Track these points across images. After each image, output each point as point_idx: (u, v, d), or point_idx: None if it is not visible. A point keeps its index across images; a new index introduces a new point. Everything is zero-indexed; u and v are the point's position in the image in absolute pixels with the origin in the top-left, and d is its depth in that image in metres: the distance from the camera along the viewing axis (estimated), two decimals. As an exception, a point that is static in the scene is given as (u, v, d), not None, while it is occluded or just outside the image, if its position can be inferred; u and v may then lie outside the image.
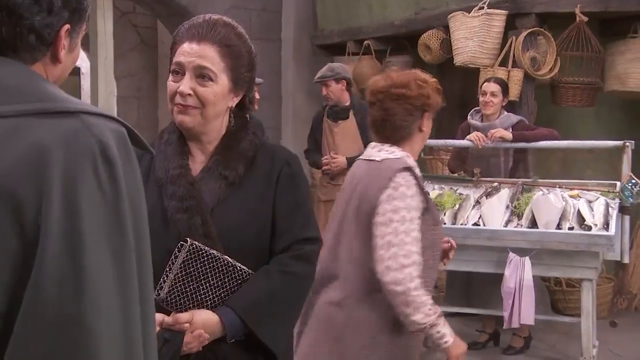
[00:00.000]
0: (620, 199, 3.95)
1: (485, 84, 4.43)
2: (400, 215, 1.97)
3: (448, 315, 2.73)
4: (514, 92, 4.76)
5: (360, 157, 2.27)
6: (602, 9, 4.99)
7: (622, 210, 3.97)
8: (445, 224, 4.00)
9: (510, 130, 4.26)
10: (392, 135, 2.14)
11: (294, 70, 7.87)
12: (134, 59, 8.17)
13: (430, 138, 5.50)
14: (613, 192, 4.01)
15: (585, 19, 4.85)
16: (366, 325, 2.04)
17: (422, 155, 5.34)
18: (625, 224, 3.98)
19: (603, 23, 5.32)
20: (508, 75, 4.82)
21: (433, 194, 4.22)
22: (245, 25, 6.66)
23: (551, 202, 3.89)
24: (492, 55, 4.94)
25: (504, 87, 4.44)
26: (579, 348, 3.81)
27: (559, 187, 4.07)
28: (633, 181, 3.97)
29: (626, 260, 3.98)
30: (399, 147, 2.14)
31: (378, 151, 2.15)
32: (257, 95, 4.79)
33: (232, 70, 1.59)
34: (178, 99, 1.57)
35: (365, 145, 4.62)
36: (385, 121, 2.12)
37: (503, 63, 4.91)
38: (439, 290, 4.92)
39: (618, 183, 4.04)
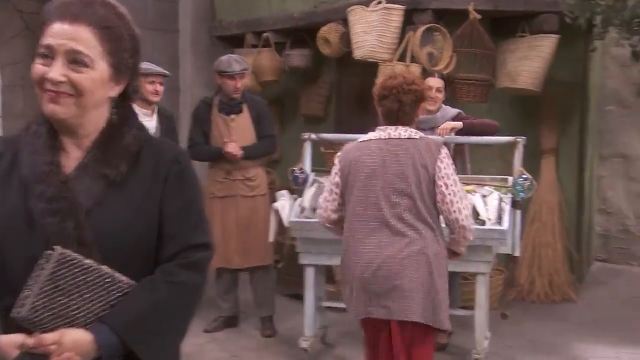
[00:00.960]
0: (512, 194, 4.06)
1: (430, 79, 4.43)
2: (455, 177, 2.88)
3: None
4: (412, 88, 4.79)
5: (372, 137, 2.93)
6: (492, 7, 5.13)
7: (514, 204, 4.08)
8: (344, 219, 3.98)
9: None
10: (404, 119, 2.90)
11: (191, 62, 7.64)
12: (18, 45, 7.67)
13: (328, 131, 5.51)
14: (506, 187, 4.12)
15: (478, 16, 4.96)
16: (442, 255, 2.90)
17: (322, 149, 5.37)
18: (517, 218, 4.10)
19: (495, 21, 5.47)
20: (407, 69, 4.85)
21: (332, 189, 4.19)
22: (141, 14, 6.29)
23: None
24: (391, 49, 4.96)
25: (446, 82, 4.53)
26: (473, 340, 3.89)
27: (455, 182, 4.13)
28: (524, 176, 4.09)
29: (517, 253, 4.10)
30: (409, 128, 2.92)
31: (398, 132, 2.89)
32: (160, 88, 4.65)
33: (112, 55, 1.43)
34: (49, 86, 1.39)
35: (260, 138, 4.55)
36: (400, 110, 2.88)
37: (401, 58, 4.94)
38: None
39: (510, 178, 4.15)
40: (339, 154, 3.03)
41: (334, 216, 3.02)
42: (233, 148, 4.55)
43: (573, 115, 5.82)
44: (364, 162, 2.85)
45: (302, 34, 6.04)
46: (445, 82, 4.50)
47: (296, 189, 4.29)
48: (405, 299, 2.75)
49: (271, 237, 4.16)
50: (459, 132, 4.25)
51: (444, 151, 2.87)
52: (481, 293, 3.89)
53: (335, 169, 2.99)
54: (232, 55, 4.96)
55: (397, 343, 2.80)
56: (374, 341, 2.92)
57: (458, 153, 4.49)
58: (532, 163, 5.71)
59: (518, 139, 4.15)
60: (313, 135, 4.32)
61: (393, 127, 2.89)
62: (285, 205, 4.13)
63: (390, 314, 2.78)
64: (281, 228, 4.11)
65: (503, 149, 4.22)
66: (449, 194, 2.80)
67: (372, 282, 2.79)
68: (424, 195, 2.80)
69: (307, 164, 4.30)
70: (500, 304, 4.39)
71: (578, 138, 5.84)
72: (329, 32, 5.34)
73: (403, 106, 2.87)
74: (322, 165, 5.07)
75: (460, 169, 4.42)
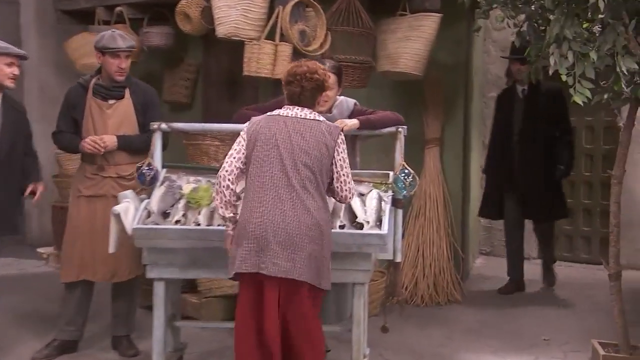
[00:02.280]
0: (393, 191, 3.58)
1: None
2: (348, 161, 3.20)
3: None
4: (280, 69, 4.21)
5: (281, 113, 3.13)
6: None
7: (395, 203, 3.60)
8: (199, 224, 3.35)
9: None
10: (305, 103, 3.15)
11: (36, 39, 6.72)
12: None
13: (195, 120, 4.85)
14: (386, 183, 3.63)
15: (355, -9, 4.46)
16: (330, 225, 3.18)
17: (183, 140, 4.70)
18: (398, 218, 3.62)
19: (373, -2, 5.01)
20: (275, 50, 4.27)
21: (187, 187, 3.53)
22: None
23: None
24: (258, 27, 4.34)
25: (340, 75, 3.78)
26: (350, 355, 3.39)
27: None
28: (406, 171, 3.61)
29: (399, 258, 3.62)
30: (313, 111, 3.17)
31: (303, 112, 3.13)
32: (16, 71, 3.83)
33: None
34: None
35: (143, 128, 3.76)
36: (301, 94, 3.13)
37: (270, 36, 4.35)
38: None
39: (391, 173, 3.66)
40: (247, 126, 3.15)
41: (232, 187, 3.09)
42: (93, 142, 3.85)
43: (457, 102, 5.46)
44: (271, 134, 3.06)
45: (161, 9, 5.32)
46: (340, 75, 3.79)
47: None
48: (297, 260, 2.95)
49: (111, 248, 3.45)
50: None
51: (342, 136, 3.17)
52: (359, 307, 3.38)
53: (242, 141, 3.12)
54: (115, 30, 4.19)
55: (278, 300, 2.97)
56: (253, 301, 3.00)
57: (348, 147, 3.95)
58: (416, 154, 5.33)
59: (399, 129, 3.67)
60: (163, 125, 3.64)
61: (299, 108, 3.13)
62: (130, 208, 3.44)
63: (283, 272, 2.93)
64: (125, 236, 3.41)
65: (386, 140, 3.73)
66: (344, 174, 3.15)
67: (268, 240, 2.94)
68: (322, 171, 3.08)
69: (157, 158, 3.62)
70: (381, 314, 3.91)
71: (462, 126, 5.49)
72: (189, 5, 4.66)
73: (304, 91, 3.13)
74: (183, 160, 4.40)
75: (350, 163, 3.89)
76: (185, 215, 3.39)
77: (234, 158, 3.09)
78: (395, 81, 5.24)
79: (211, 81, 5.56)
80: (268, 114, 3.15)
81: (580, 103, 3.62)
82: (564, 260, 6.36)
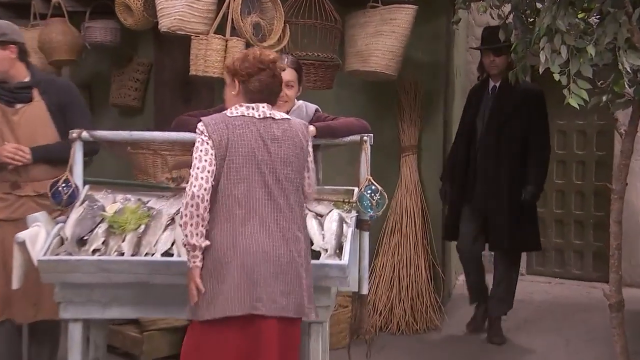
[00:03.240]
0: (357, 211, 3.03)
1: None
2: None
3: None
4: (233, 69, 3.67)
5: (245, 114, 2.57)
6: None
7: (360, 225, 3.05)
8: (122, 254, 2.77)
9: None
10: (273, 99, 2.66)
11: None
12: None
13: (147, 125, 4.26)
14: (349, 202, 3.08)
15: (319, -21, 3.91)
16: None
17: (129, 148, 4.12)
18: (364, 243, 3.08)
19: (341, -11, 4.46)
20: (226, 46, 3.72)
21: (111, 208, 2.96)
22: None
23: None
24: (207, 19, 3.79)
25: (300, 72, 3.21)
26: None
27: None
28: (372, 187, 3.06)
29: (365, 290, 3.08)
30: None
31: (271, 110, 2.62)
32: (12, 54, 3.20)
33: None
34: None
35: (63, 135, 3.13)
36: (274, 86, 2.63)
37: (221, 30, 3.79)
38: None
39: (355, 190, 3.11)
40: (202, 127, 2.54)
41: (208, 209, 2.49)
42: (14, 151, 3.25)
43: (436, 105, 4.92)
44: (244, 142, 2.54)
45: (105, 1, 4.74)
46: (300, 72, 3.22)
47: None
48: (295, 293, 2.53)
49: (15, 284, 2.86)
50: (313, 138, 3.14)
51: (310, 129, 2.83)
52: (317, 349, 2.84)
53: (209, 151, 2.51)
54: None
55: (276, 342, 2.50)
56: (244, 349, 2.47)
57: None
58: (391, 163, 4.80)
59: (364, 138, 3.12)
60: (85, 133, 3.06)
61: (264, 105, 2.60)
62: (40, 234, 2.86)
63: (284, 309, 2.49)
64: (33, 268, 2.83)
65: (354, 151, 3.18)
66: (309, 175, 2.75)
67: (261, 273, 2.47)
68: (301, 180, 2.68)
69: (76, 173, 3.04)
70: (346, 353, 3.34)
71: (442, 132, 4.95)
72: (130, -5, 4.09)
73: (275, 84, 2.63)
74: (128, 176, 3.79)
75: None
76: (106, 243, 2.81)
77: (208, 172, 2.48)
78: (367, 82, 4.70)
79: (164, 82, 5.00)
80: (226, 114, 2.57)
81: (576, 106, 3.09)
82: (554, 276, 5.86)
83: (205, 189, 2.44)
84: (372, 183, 3.06)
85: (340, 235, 2.89)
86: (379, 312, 4.55)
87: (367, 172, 3.09)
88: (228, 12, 3.75)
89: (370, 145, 3.14)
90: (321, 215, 3.01)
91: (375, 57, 4.25)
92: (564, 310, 5.10)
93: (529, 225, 4.43)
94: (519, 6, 3.51)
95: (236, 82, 2.59)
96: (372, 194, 3.05)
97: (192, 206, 2.43)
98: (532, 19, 3.63)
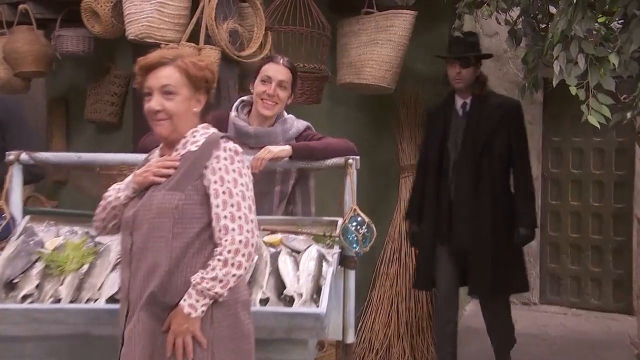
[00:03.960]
0: (341, 247, 2.60)
1: (272, 66, 2.82)
2: None
3: None
4: (206, 82, 3.26)
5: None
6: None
7: (345, 262, 2.63)
8: (59, 300, 2.35)
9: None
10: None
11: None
12: None
13: (125, 142, 3.88)
14: (331, 236, 2.64)
15: (306, -18, 3.50)
16: None
17: (98, 169, 3.73)
18: (349, 283, 2.65)
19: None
20: (199, 54, 3.30)
21: (51, 243, 2.54)
22: None
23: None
24: (179, 25, 3.38)
25: (295, 75, 2.89)
26: None
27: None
28: (359, 219, 2.63)
29: (350, 339, 2.64)
30: None
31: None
32: None
33: None
34: None
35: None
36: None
37: (195, 38, 3.39)
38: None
39: (339, 221, 2.68)
40: (234, 146, 2.07)
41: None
42: None
43: (439, 121, 4.48)
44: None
45: (77, 7, 4.34)
46: (295, 75, 2.88)
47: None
48: None
49: None
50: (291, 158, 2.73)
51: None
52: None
53: (248, 169, 2.10)
54: None
55: None
56: None
57: (299, 189, 2.98)
58: (390, 184, 4.37)
59: (349, 160, 2.69)
60: (24, 155, 2.65)
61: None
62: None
63: None
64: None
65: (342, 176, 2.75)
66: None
67: None
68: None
69: (14, 201, 2.63)
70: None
71: (445, 150, 4.50)
72: (97, 1, 3.68)
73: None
74: (87, 206, 3.38)
75: (302, 212, 2.96)
76: (41, 287, 2.39)
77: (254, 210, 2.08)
78: (362, 96, 4.28)
79: (143, 95, 4.59)
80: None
81: (596, 125, 2.66)
82: (570, 306, 5.37)
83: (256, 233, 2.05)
84: (358, 214, 2.64)
85: (318, 276, 2.46)
86: (375, 351, 4.10)
87: (352, 201, 2.67)
88: (202, 18, 3.33)
89: (357, 169, 2.72)
90: (298, 252, 2.58)
91: (370, 68, 3.83)
92: (581, 346, 4.61)
93: (516, 263, 3.77)
94: (529, 10, 3.10)
95: (202, 93, 2.12)
96: (358, 227, 2.62)
97: (248, 258, 1.98)
98: (544, 25, 3.21)
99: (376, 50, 3.82)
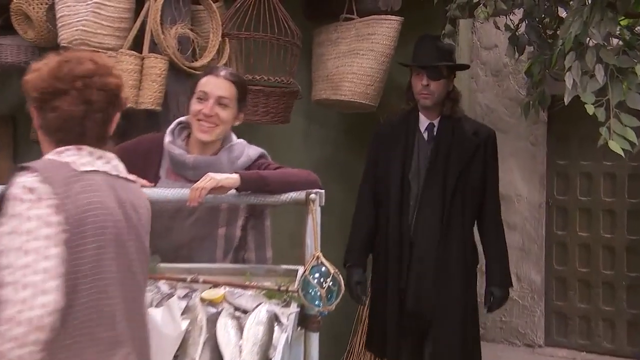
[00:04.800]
0: (299, 305, 2.06)
1: (210, 80, 2.26)
2: None
3: None
4: (149, 94, 2.74)
5: (98, 168, 1.58)
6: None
7: (305, 323, 2.09)
8: None
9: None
10: (94, 135, 1.60)
11: None
12: None
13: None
14: (288, 290, 2.10)
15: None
16: None
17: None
18: (311, 349, 2.11)
19: (310, -1, 3.57)
20: (142, 65, 2.79)
21: None
22: None
23: (157, 320, 1.88)
24: (119, 30, 2.86)
25: (243, 91, 2.32)
26: None
27: (187, 281, 2.09)
28: (323, 269, 2.09)
29: (310, 422, 2.09)
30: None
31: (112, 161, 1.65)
32: None
33: None
34: None
35: None
36: (87, 117, 1.57)
37: (137, 46, 2.87)
38: None
39: (300, 269, 2.14)
40: (38, 185, 1.46)
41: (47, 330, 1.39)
42: None
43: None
44: (104, 215, 1.54)
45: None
46: (242, 90, 2.31)
47: None
48: None
49: None
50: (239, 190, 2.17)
51: None
52: None
53: (50, 225, 1.44)
54: None
55: None
56: None
57: (252, 230, 2.41)
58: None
59: (311, 195, 2.15)
60: None
61: (99, 151, 1.61)
62: None
63: None
64: None
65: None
66: None
67: None
68: None
69: None
70: None
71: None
72: (29, 3, 3.17)
73: (93, 112, 1.58)
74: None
75: (257, 259, 2.38)
76: None
77: (54, 276, 1.40)
78: (343, 114, 3.76)
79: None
80: (76, 166, 1.53)
81: (620, 152, 2.15)
82: (579, 349, 4.83)
83: (38, 317, 1.36)
84: (322, 263, 2.10)
85: (267, 345, 1.92)
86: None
87: (315, 246, 2.13)
88: (146, 22, 2.82)
89: (321, 205, 2.18)
90: (246, 312, 2.04)
91: (349, 82, 3.32)
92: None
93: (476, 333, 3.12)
94: (534, 12, 2.58)
95: (32, 109, 1.62)
96: (322, 279, 2.08)
97: (25, 343, 1.35)
98: (552, 30, 2.69)
99: (356, 61, 3.31)
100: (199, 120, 2.23)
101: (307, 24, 3.49)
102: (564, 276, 4.93)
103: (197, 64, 2.84)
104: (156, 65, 2.76)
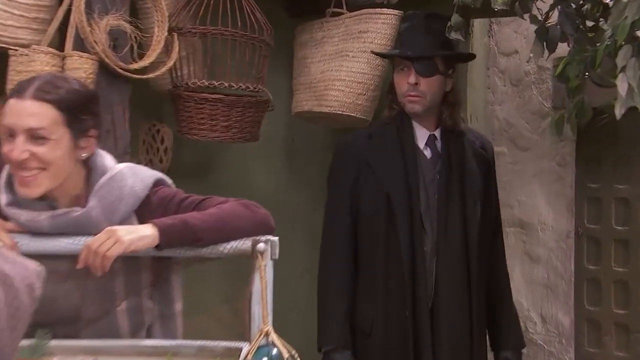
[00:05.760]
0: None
1: (13, 107, 1.51)
2: None
3: None
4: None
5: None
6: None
7: None
8: None
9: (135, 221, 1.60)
10: None
11: None
12: None
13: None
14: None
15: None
16: None
17: None
18: None
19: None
20: (63, 65, 2.20)
21: None
22: None
23: None
24: (37, 22, 2.27)
25: (73, 107, 1.54)
26: None
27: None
28: (274, 352, 1.48)
29: None
30: None
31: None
32: None
33: None
34: None
35: None
36: None
37: (62, 42, 2.29)
38: None
39: (244, 349, 1.51)
40: None
41: None
42: None
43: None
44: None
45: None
46: (72, 107, 1.53)
47: None
48: None
49: None
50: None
51: None
52: None
53: None
54: None
55: None
56: None
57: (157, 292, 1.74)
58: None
59: (259, 244, 1.53)
60: None
61: None
62: None
63: None
64: None
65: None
66: None
67: None
68: None
69: None
70: None
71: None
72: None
73: None
74: None
75: (161, 317, 1.70)
76: None
77: None
78: (332, 129, 3.14)
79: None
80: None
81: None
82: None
83: None
84: (273, 343, 1.48)
85: None
86: None
87: (263, 318, 1.51)
88: (71, 14, 2.22)
89: (274, 259, 1.56)
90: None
91: (336, 91, 2.70)
92: None
93: None
94: (572, -5, 1.94)
95: None
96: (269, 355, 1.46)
97: None
98: (594, 20, 2.06)
99: (345, 65, 2.69)
100: (14, 169, 1.51)
101: (290, 22, 2.90)
102: (597, 318, 4.28)
103: (136, 65, 2.23)
104: (81, 67, 2.16)
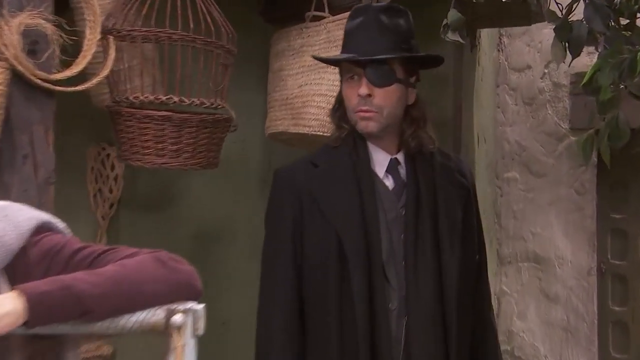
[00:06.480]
0: None
1: None
2: None
3: None
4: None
5: None
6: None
7: None
8: None
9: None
10: None
11: None
12: None
13: None
14: None
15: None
16: None
17: None
18: None
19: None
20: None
21: None
22: None
23: None
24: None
25: None
26: None
27: None
28: None
29: None
30: None
31: None
32: None
33: None
34: None
35: None
36: None
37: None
38: None
39: None
40: None
41: None
42: None
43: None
44: None
45: None
46: None
47: None
48: None
49: None
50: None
51: None
52: None
53: None
54: None
55: None
56: None
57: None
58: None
59: (174, 316, 1.09)
60: None
61: None
62: None
63: None
64: None
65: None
66: None
67: None
68: None
69: None
70: None
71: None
72: None
73: None
74: None
75: None
76: None
77: None
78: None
79: None
80: None
81: None
82: None
83: None
84: None
85: None
86: None
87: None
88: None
89: (197, 335, 1.12)
90: None
91: (316, 107, 2.30)
92: None
93: None
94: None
95: None
96: None
97: None
98: (630, 15, 1.63)
99: (327, 77, 2.30)
100: None
101: (261, 27, 2.51)
102: (624, 365, 3.89)
103: (59, 75, 1.81)
104: (-10, 77, 1.75)
